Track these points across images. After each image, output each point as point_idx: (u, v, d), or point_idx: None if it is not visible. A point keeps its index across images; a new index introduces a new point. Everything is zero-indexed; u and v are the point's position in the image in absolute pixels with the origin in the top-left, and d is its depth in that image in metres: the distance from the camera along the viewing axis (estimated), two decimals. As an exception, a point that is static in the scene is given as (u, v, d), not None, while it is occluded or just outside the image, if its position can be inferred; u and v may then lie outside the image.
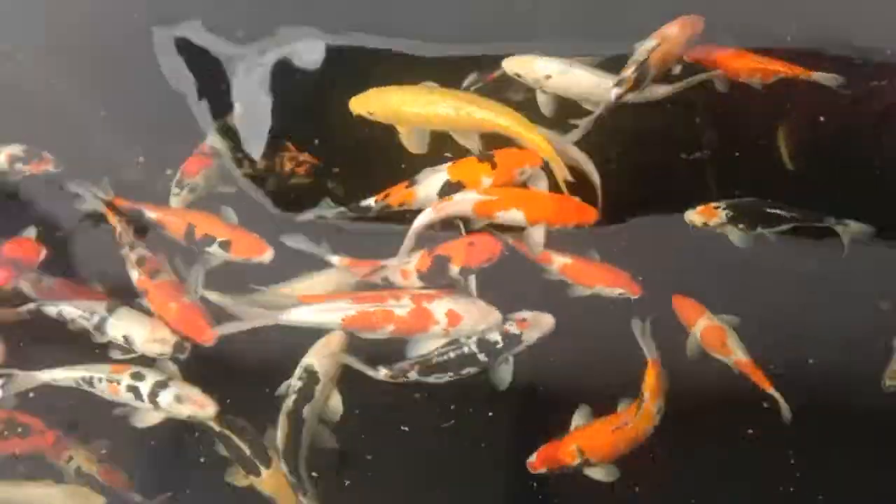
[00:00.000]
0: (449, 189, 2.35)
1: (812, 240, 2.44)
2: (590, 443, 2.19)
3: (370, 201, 2.38)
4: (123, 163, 2.58)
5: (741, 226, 2.40)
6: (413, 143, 2.46)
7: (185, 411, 2.19)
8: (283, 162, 2.55)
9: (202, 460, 2.26)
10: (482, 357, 2.23)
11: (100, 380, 2.23)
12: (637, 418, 2.18)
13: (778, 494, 2.22)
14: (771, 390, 2.22)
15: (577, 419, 2.24)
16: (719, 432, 2.26)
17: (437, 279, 2.29)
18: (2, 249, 2.43)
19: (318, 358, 2.26)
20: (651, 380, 2.21)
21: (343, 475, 2.26)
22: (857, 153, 2.60)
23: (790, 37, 2.65)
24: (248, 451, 2.17)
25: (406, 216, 2.35)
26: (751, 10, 2.67)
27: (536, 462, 2.21)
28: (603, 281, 2.34)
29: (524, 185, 2.41)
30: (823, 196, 2.45)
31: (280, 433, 2.17)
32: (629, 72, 2.40)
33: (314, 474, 2.19)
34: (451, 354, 2.23)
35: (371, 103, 2.44)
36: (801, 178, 2.52)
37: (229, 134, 2.61)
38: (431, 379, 2.24)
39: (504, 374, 2.26)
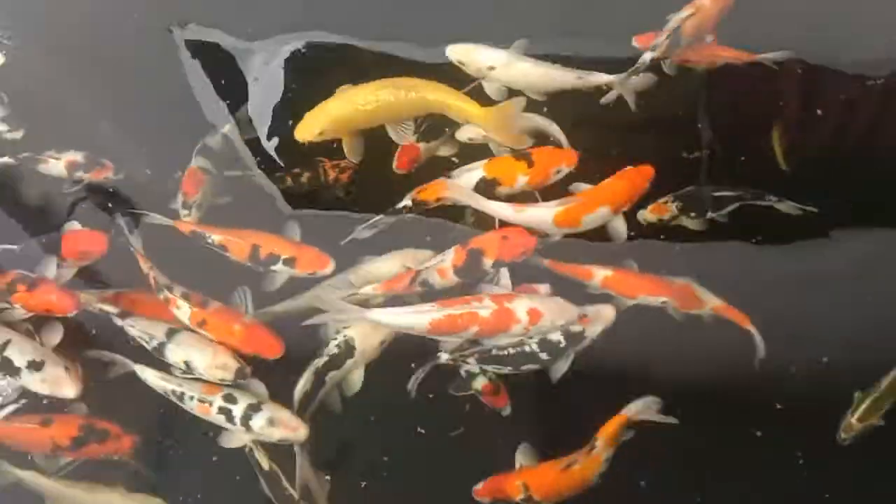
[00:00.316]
0: (485, 186, 2.40)
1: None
2: (535, 480, 2.24)
3: (407, 200, 2.42)
4: (131, 168, 2.62)
5: (692, 214, 2.44)
6: (354, 151, 2.50)
7: (276, 434, 2.25)
8: (326, 171, 2.56)
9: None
10: (543, 356, 2.30)
11: (191, 397, 2.29)
12: (584, 462, 2.22)
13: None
14: (749, 327, 2.32)
15: (520, 458, 2.29)
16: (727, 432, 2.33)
17: (473, 273, 2.34)
18: (67, 238, 2.49)
19: (360, 336, 2.34)
20: (611, 429, 2.24)
21: (359, 477, 2.36)
22: (852, 152, 2.62)
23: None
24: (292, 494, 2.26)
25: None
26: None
27: (482, 490, 2.27)
28: (646, 290, 2.36)
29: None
30: (819, 195, 2.47)
31: (301, 384, 2.31)
32: (662, 38, 2.45)
33: (327, 477, 2.31)
34: (511, 351, 2.30)
35: (315, 124, 2.47)
36: (795, 177, 2.53)
37: (255, 151, 2.64)
38: (490, 367, 2.31)
39: (561, 366, 2.31)
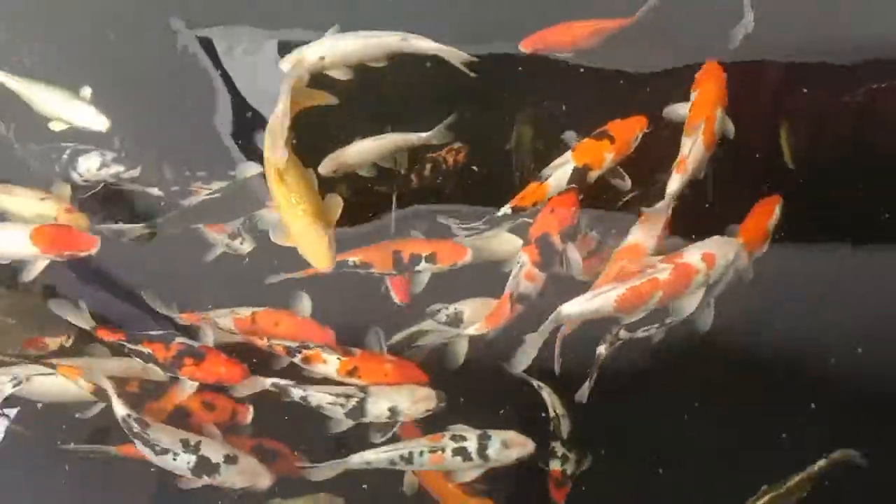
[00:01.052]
0: (578, 175, 2.42)
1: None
2: None
3: (506, 209, 2.44)
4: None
5: None
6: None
7: (513, 455, 2.31)
8: (445, 156, 2.62)
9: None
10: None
11: (420, 453, 2.31)
12: None
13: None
14: None
15: None
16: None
17: (552, 258, 2.35)
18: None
19: (471, 310, 2.44)
20: None
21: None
22: (859, 151, 2.66)
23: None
24: None
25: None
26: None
27: None
28: None
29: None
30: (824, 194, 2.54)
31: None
32: None
33: (364, 486, 2.42)
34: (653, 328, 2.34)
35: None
36: (802, 176, 2.58)
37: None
38: (639, 333, 2.35)
39: (707, 318, 2.39)
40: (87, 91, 2.67)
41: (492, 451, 2.30)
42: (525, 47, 2.64)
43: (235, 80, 2.77)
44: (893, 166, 2.64)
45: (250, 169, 2.59)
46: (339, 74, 2.61)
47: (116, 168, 2.55)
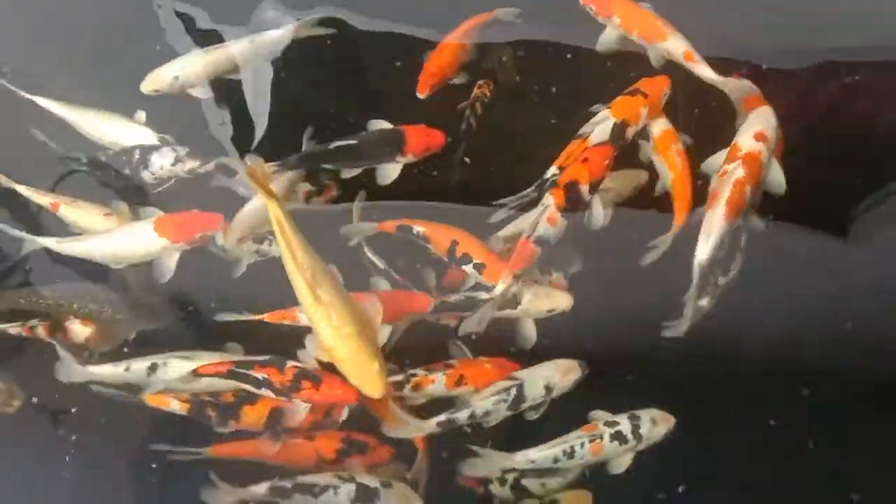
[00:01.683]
0: (619, 130, 2.45)
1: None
2: None
3: (553, 169, 2.43)
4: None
5: None
6: None
7: (662, 430, 2.34)
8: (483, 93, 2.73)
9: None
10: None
11: (581, 445, 2.30)
12: None
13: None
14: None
15: None
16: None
17: (577, 206, 2.37)
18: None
19: (531, 297, 2.42)
20: None
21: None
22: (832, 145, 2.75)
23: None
24: None
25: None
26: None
27: None
28: None
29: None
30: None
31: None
32: None
33: None
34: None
35: None
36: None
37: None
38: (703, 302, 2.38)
39: None
40: (141, 115, 2.71)
41: (644, 430, 2.32)
42: (422, 92, 2.71)
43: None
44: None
45: (380, 123, 2.64)
46: (199, 93, 2.69)
47: (191, 163, 2.58)
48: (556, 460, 2.32)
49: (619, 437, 2.30)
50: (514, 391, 2.32)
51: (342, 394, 2.24)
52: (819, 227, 2.70)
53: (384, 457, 2.40)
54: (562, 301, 2.41)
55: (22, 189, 2.61)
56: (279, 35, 2.75)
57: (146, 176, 2.61)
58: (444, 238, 2.48)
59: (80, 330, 2.49)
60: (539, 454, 2.32)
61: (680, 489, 2.42)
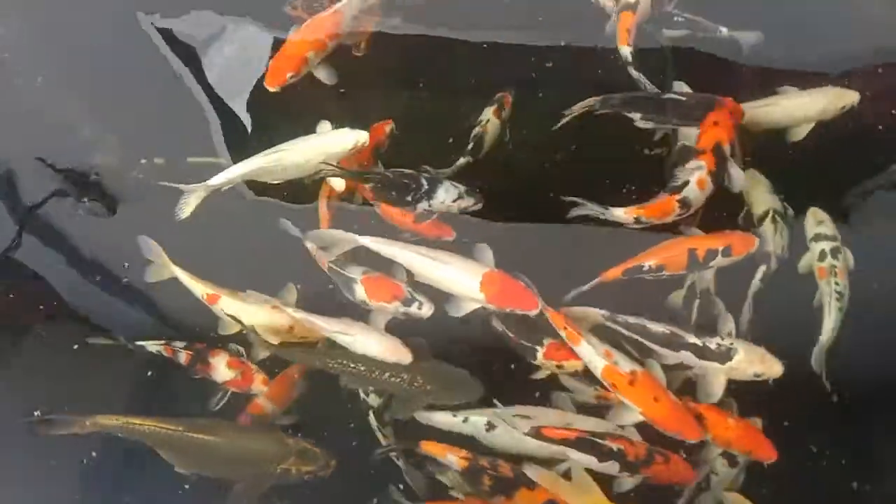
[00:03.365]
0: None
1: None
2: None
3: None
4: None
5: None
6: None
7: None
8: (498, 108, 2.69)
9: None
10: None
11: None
12: None
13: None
14: None
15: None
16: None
17: (724, 169, 2.38)
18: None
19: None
20: None
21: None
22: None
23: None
24: None
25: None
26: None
27: None
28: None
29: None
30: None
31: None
32: None
33: None
34: None
35: None
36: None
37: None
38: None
39: None
40: (326, 125, 2.56)
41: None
42: (272, 86, 2.59)
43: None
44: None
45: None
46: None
47: (468, 200, 2.48)
48: None
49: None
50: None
51: (683, 469, 2.28)
52: None
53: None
54: (774, 368, 2.37)
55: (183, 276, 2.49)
56: None
57: (423, 204, 2.48)
58: (677, 253, 2.42)
59: (223, 369, 2.44)
60: None
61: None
